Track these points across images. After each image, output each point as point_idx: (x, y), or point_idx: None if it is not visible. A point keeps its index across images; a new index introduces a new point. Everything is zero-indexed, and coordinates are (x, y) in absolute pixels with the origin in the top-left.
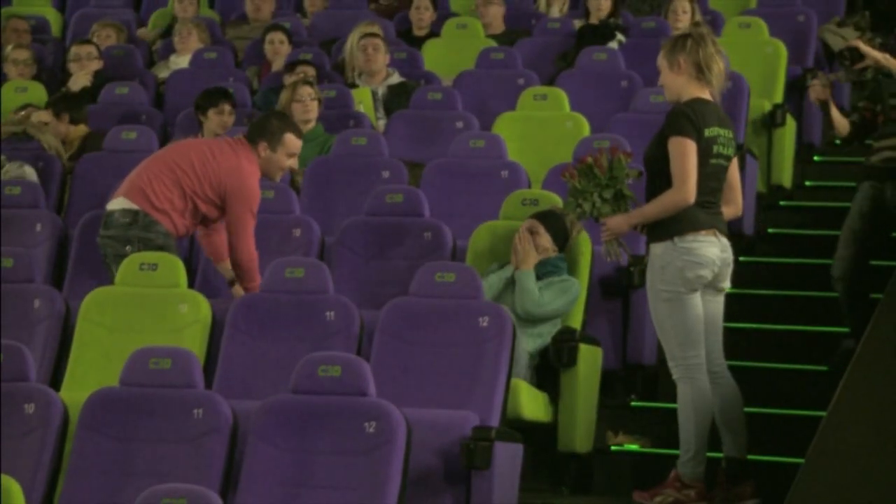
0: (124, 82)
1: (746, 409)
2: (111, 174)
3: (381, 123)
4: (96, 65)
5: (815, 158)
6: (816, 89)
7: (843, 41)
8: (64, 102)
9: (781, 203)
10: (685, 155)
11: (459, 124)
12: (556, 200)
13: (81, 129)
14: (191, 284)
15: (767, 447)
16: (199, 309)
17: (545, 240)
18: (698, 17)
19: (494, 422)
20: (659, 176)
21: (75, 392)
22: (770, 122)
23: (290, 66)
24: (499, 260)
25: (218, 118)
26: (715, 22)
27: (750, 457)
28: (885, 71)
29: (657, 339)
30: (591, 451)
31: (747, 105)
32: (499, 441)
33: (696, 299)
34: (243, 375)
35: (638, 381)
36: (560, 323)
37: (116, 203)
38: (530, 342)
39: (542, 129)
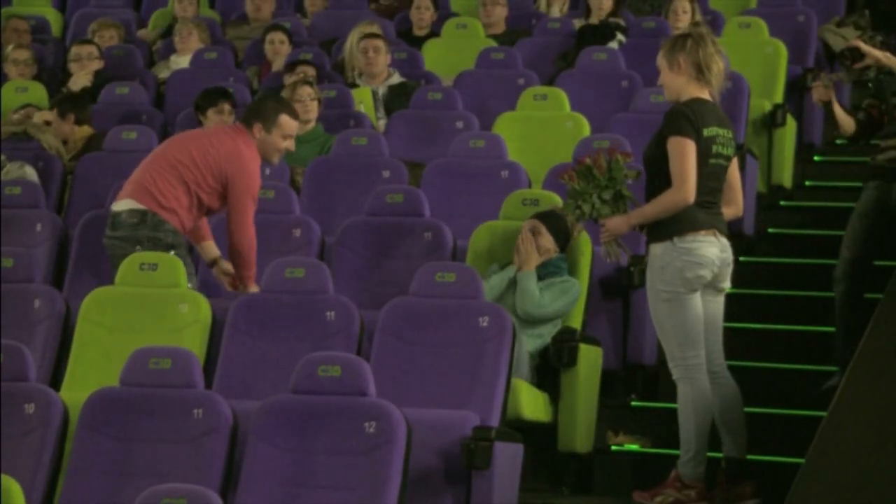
0: (124, 82)
1: (746, 409)
2: (111, 174)
3: (382, 123)
4: (97, 65)
5: (816, 158)
6: (819, 90)
7: (843, 41)
8: (69, 102)
9: (782, 203)
10: (684, 155)
11: (459, 124)
12: (556, 200)
13: (85, 131)
14: None
15: (767, 447)
16: (199, 309)
17: (547, 240)
18: (698, 17)
19: (494, 422)
20: (658, 176)
21: (75, 392)
22: (770, 122)
23: (291, 66)
24: (499, 260)
25: (218, 118)
26: (715, 22)
27: (750, 457)
28: (887, 70)
29: (657, 339)
30: (592, 451)
31: (747, 105)
32: (499, 441)
33: (696, 299)
34: (243, 375)
35: (638, 381)
36: (560, 323)
37: (123, 204)
38: (531, 342)
39: (543, 129)
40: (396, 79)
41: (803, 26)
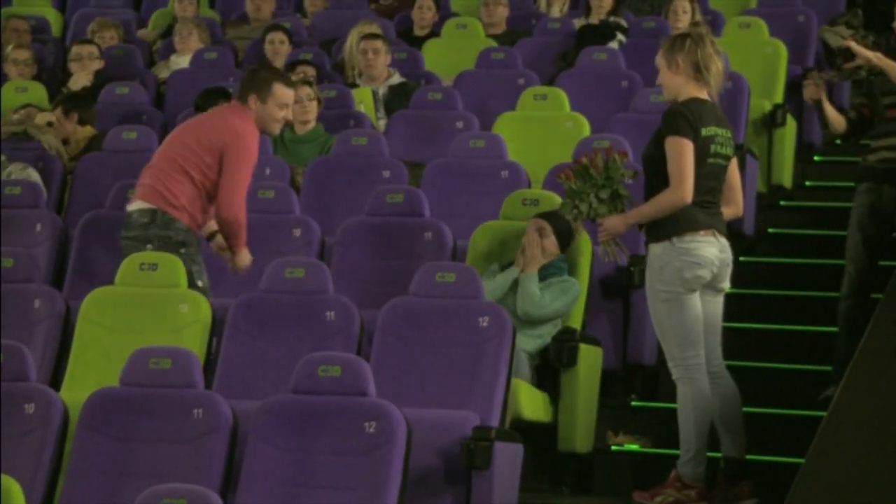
0: (124, 82)
1: (746, 409)
2: (111, 174)
3: (382, 123)
4: (97, 64)
5: (816, 158)
6: (810, 89)
7: (842, 40)
8: (73, 102)
9: (782, 203)
10: (682, 154)
11: (459, 124)
12: (556, 200)
13: (88, 131)
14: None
15: (767, 447)
16: (199, 309)
17: (552, 242)
18: (698, 17)
19: (494, 422)
20: (657, 176)
21: (75, 392)
22: (770, 122)
23: (291, 66)
24: (499, 261)
25: None
26: (715, 22)
27: (750, 457)
28: (877, 70)
29: (657, 339)
30: (592, 451)
31: (747, 105)
32: (499, 441)
33: (695, 299)
34: (243, 375)
35: (638, 381)
36: (560, 323)
37: (135, 205)
38: (530, 342)
39: (543, 129)
40: (396, 79)
41: (803, 26)
